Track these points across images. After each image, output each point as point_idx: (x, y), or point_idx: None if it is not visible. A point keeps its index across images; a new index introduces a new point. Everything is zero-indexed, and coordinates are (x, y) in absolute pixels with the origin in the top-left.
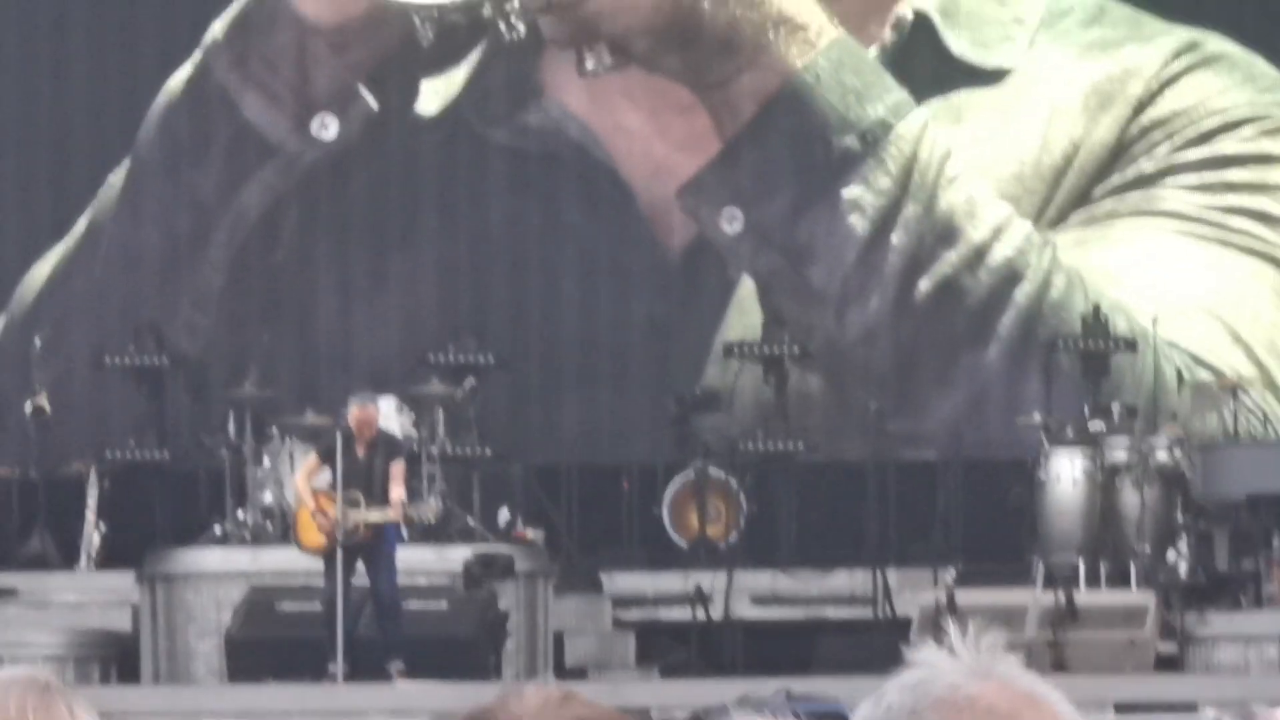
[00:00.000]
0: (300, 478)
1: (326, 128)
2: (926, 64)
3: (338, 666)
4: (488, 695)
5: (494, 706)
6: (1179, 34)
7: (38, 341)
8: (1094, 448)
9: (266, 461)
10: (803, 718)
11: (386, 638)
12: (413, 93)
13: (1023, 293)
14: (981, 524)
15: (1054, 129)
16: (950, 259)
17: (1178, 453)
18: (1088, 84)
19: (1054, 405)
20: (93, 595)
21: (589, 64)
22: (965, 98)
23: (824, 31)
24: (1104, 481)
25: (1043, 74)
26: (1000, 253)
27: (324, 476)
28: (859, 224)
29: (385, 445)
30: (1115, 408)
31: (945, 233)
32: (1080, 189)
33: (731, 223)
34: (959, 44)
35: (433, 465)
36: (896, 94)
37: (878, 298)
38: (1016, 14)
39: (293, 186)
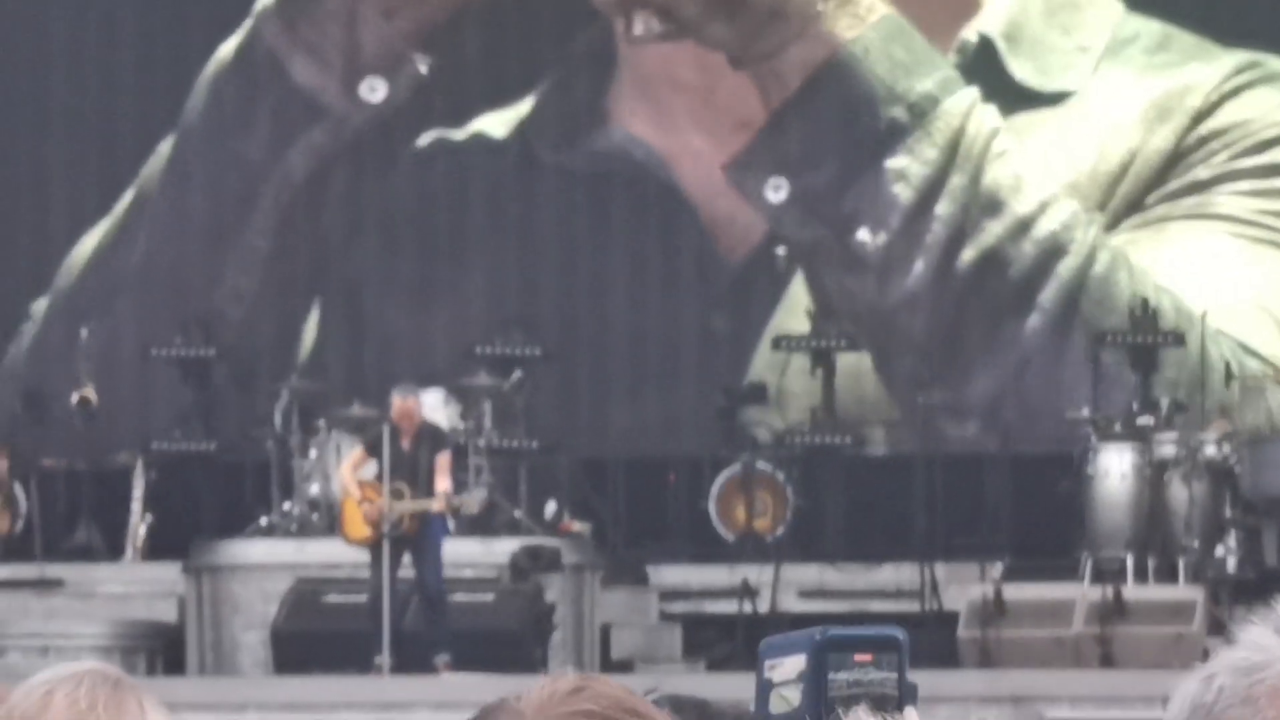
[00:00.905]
0: (346, 469)
1: (375, 90)
2: (988, 86)
3: (383, 659)
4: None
5: (500, 702)
6: (1240, 55)
7: (84, 333)
8: (1142, 442)
9: (313, 453)
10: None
11: (432, 630)
12: (463, 58)
13: (1066, 266)
14: (1029, 518)
15: (1112, 140)
16: (994, 230)
17: (1226, 448)
18: (1147, 100)
19: (1102, 399)
20: (139, 586)
21: (637, 29)
22: (1026, 120)
23: (874, 8)
24: (1152, 476)
25: (1104, 95)
26: (1045, 226)
27: (370, 468)
28: (903, 193)
29: (431, 437)
30: (1163, 402)
31: (990, 204)
32: (1135, 196)
33: (776, 192)
34: (1022, 70)
35: (480, 457)
36: (945, 71)
37: (921, 265)
38: (1080, 42)
39: (341, 149)
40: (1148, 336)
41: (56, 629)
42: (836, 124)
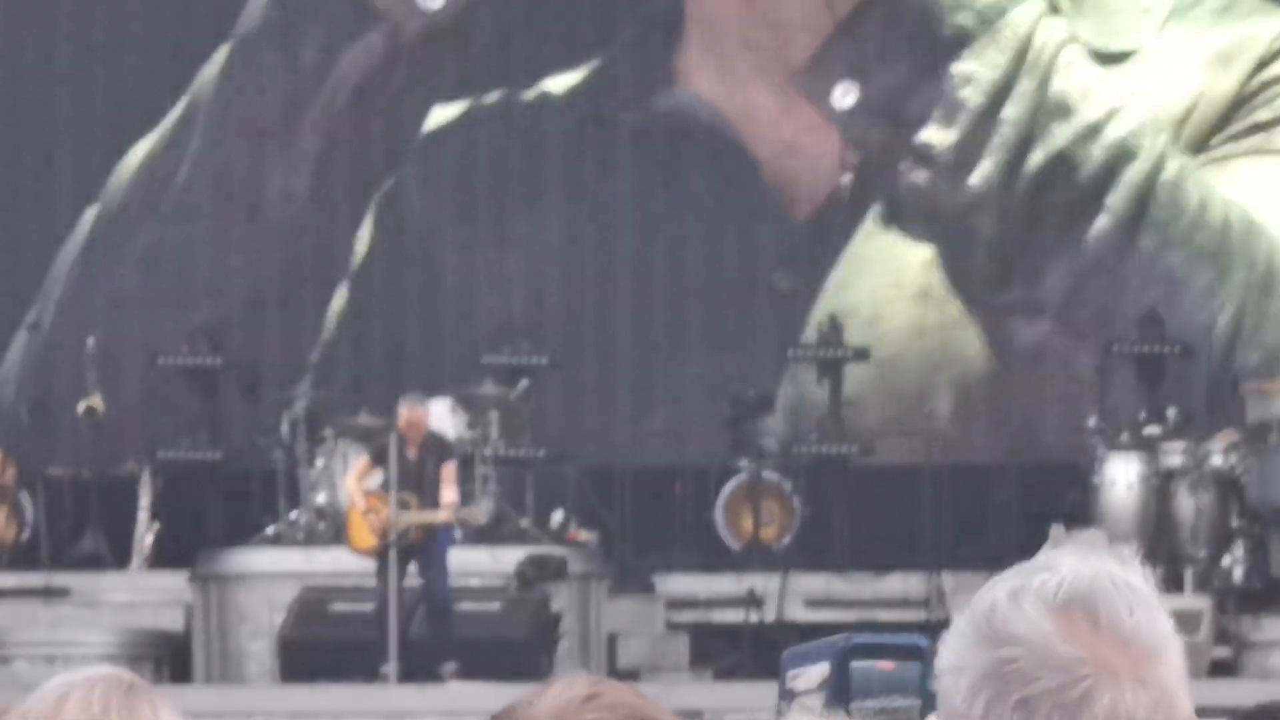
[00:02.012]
0: (352, 479)
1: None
2: None
3: (390, 668)
4: None
5: (517, 705)
6: None
7: (90, 341)
8: (1149, 452)
9: (319, 462)
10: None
11: (439, 639)
12: (534, 17)
13: (1136, 170)
14: (1036, 528)
15: (1176, 87)
16: (1063, 133)
17: (1233, 457)
18: (1210, 51)
19: (1109, 408)
20: (145, 595)
21: None
22: (1095, 75)
23: None
24: (1159, 486)
25: (1168, 52)
26: (1114, 132)
27: (376, 478)
28: (971, 97)
29: (437, 447)
30: (1171, 412)
31: (1058, 109)
32: (1197, 139)
33: (845, 97)
34: (1085, 31)
35: (486, 467)
36: None
37: (989, 166)
38: (1144, 4)
39: (396, 56)
40: (1155, 346)
41: (63, 638)
42: (904, 30)
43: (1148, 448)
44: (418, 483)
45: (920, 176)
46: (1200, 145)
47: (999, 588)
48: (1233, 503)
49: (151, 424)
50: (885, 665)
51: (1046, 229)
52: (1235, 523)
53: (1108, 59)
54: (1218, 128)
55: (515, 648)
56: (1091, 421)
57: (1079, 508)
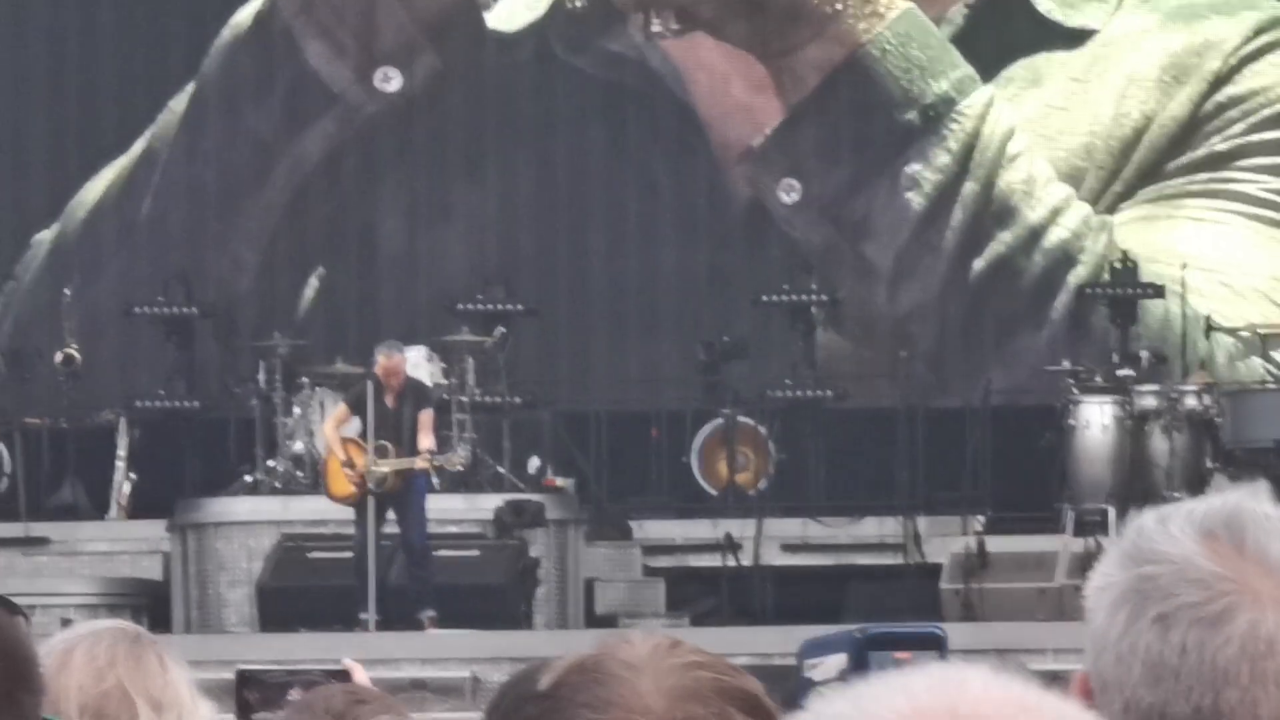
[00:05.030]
0: (329, 427)
1: (389, 80)
2: (1012, 22)
3: (369, 615)
4: (519, 643)
5: (602, 654)
6: (1267, 8)
7: (67, 292)
8: (1123, 394)
9: (296, 410)
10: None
11: (417, 586)
12: (478, 47)
13: (1077, 276)
14: (1011, 471)
15: (1128, 101)
16: (1005, 239)
17: (1207, 399)
18: (1165, 56)
19: (1082, 353)
20: (123, 544)
21: (655, 27)
22: (1045, 61)
23: (893, 3)
24: (1133, 428)
25: (1124, 39)
26: (1056, 235)
27: (353, 425)
28: (916, 200)
29: (414, 394)
30: (1144, 354)
31: (1002, 212)
32: (1150, 164)
33: (789, 193)
34: (1046, 2)
35: (463, 414)
36: (962, 70)
37: (931, 275)
38: None
39: (352, 137)
40: (1127, 289)
41: (42, 587)
42: (851, 128)
43: (1122, 390)
44: (395, 430)
45: (862, 288)
46: (1153, 172)
47: (1147, 515)
48: (1206, 444)
49: (128, 373)
50: (902, 655)
51: (986, 340)
52: (1209, 464)
53: (1066, 35)
54: (1170, 154)
55: (493, 593)
56: (1065, 364)
57: (1054, 450)
